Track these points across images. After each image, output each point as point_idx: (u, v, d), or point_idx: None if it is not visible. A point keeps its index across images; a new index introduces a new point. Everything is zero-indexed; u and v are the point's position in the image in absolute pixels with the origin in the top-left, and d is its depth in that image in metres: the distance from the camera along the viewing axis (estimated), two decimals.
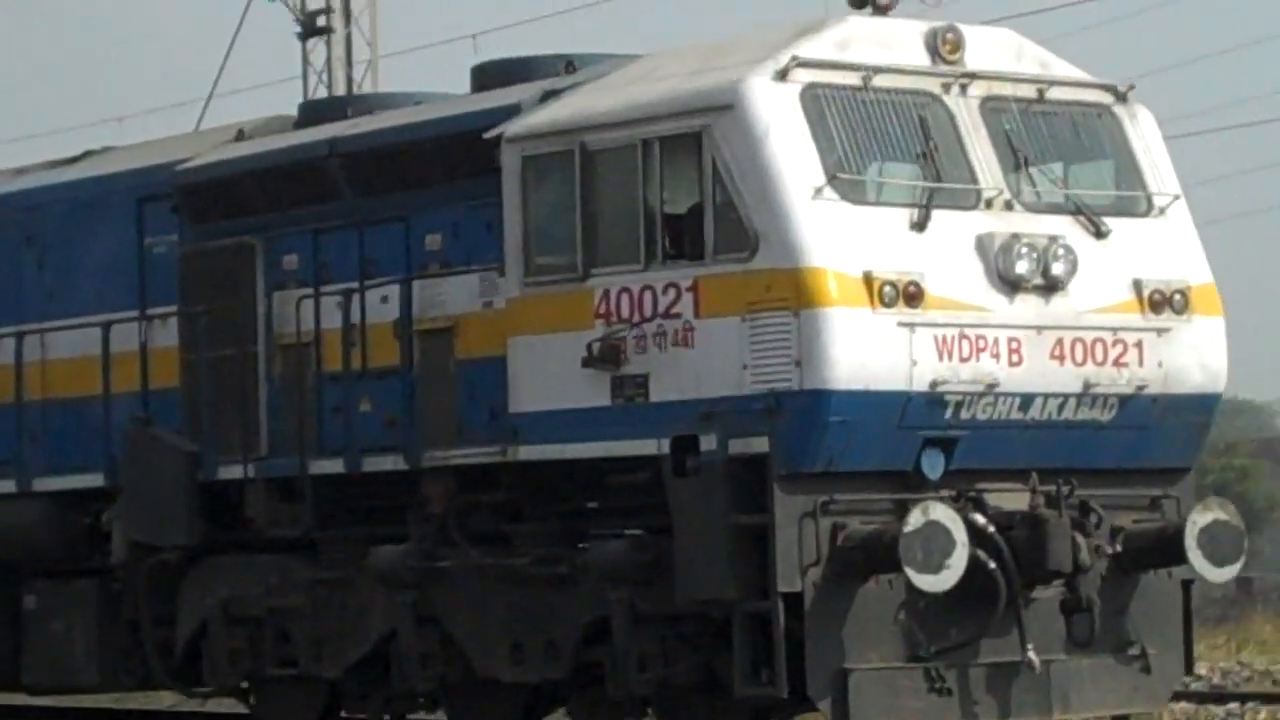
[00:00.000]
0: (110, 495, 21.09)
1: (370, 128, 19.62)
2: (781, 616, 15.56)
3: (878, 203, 16.05)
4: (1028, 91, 16.97)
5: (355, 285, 19.03)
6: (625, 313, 16.49)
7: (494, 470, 17.78)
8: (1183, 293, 16.80)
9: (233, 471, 19.95)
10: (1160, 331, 16.67)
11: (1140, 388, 16.55)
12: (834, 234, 15.68)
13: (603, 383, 16.62)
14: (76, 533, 21.55)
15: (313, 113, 21.00)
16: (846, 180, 15.88)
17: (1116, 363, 16.48)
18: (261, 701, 20.55)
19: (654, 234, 16.39)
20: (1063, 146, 17.03)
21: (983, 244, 16.12)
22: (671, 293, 16.20)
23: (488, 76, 19.26)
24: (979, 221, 16.23)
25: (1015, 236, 16.17)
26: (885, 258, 15.74)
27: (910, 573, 15.37)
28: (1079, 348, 16.35)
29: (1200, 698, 21.21)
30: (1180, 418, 16.89)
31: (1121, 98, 17.39)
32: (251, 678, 20.09)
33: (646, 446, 16.32)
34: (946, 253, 15.99)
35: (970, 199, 16.30)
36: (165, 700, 25.74)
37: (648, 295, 16.35)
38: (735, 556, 15.74)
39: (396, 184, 19.03)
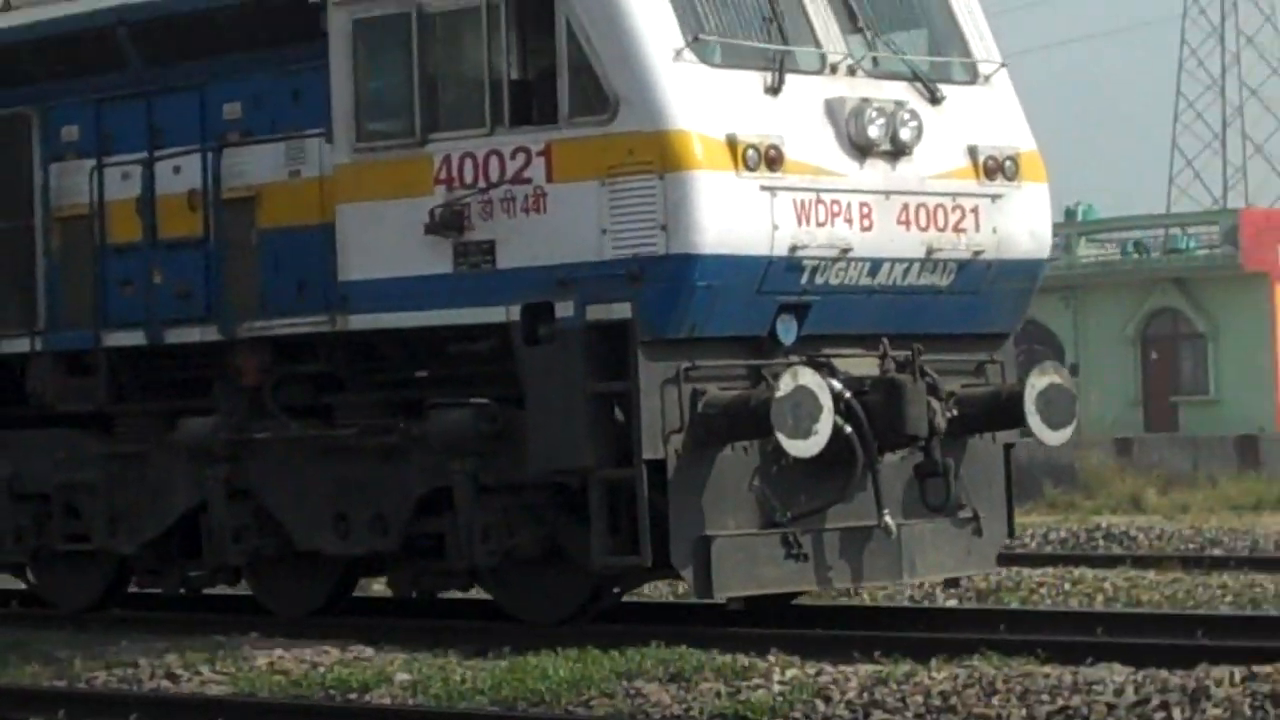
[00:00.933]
0: None
1: None
2: (645, 484, 14.95)
3: (733, 66, 15.30)
4: None
5: (144, 156, 17.90)
6: (469, 178, 15.49)
7: (312, 340, 16.80)
8: (1013, 159, 16.31)
9: (17, 345, 18.73)
10: (994, 198, 16.16)
11: (977, 253, 16.03)
12: (696, 97, 14.85)
13: (444, 250, 15.64)
14: None
15: None
16: (705, 42, 15.14)
17: (956, 228, 15.93)
18: (41, 578, 19.30)
19: (499, 98, 15.39)
20: (893, 13, 16.41)
21: (833, 109, 15.41)
22: (521, 157, 15.27)
23: None
24: (827, 86, 15.52)
25: (865, 101, 15.52)
26: (746, 121, 14.95)
27: (781, 438, 14.72)
28: (923, 213, 15.77)
29: (1021, 560, 20.92)
30: (1010, 283, 16.43)
31: None
32: (37, 554, 18.90)
33: (494, 314, 15.39)
34: (800, 117, 15.25)
35: (815, 63, 15.64)
36: None
37: (494, 160, 15.39)
38: (594, 424, 14.96)
39: (191, 53, 17.86)
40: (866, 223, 15.47)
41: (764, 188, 14.96)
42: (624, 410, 14.98)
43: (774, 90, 15.24)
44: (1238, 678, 12.08)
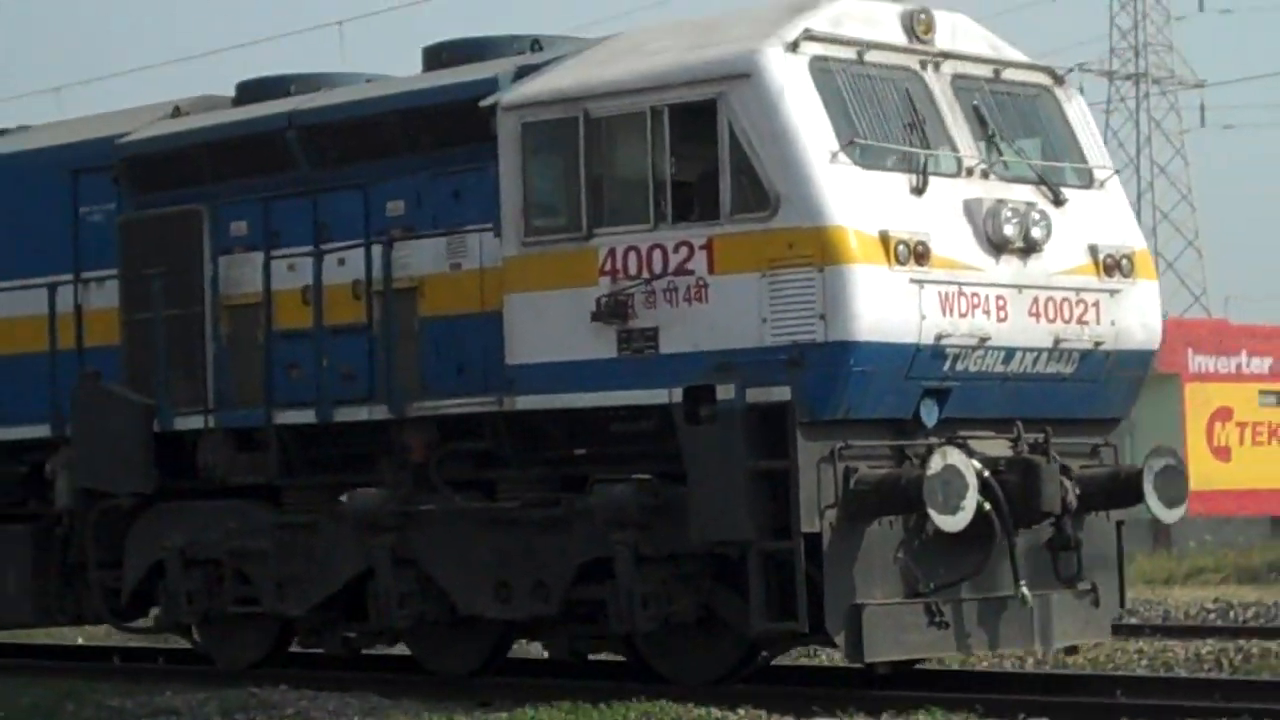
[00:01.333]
0: (53, 445, 19.72)
1: (330, 101, 18.46)
2: (803, 556, 14.82)
3: (882, 168, 15.25)
4: (986, 71, 16.35)
5: (311, 249, 17.96)
6: (633, 269, 15.46)
7: (479, 419, 16.76)
8: (1129, 258, 16.30)
9: (191, 423, 18.68)
10: (1112, 293, 16.14)
11: (1098, 343, 15.99)
12: (851, 196, 14.83)
13: (609, 336, 15.60)
14: (11, 481, 20.26)
15: (252, 90, 19.66)
16: (857, 146, 15.13)
17: (1080, 320, 15.91)
18: (208, 638, 19.23)
19: (662, 195, 15.40)
20: (1018, 122, 16.39)
21: (970, 209, 15.40)
22: (684, 250, 15.23)
23: (442, 56, 18.17)
24: (964, 188, 15.51)
25: (1001, 202, 15.55)
26: (895, 219, 14.93)
27: (933, 513, 14.66)
28: (1051, 306, 15.74)
29: (1133, 630, 20.83)
30: (1125, 372, 16.39)
31: (1059, 80, 16.90)
32: (207, 616, 18.79)
33: (656, 396, 15.30)
34: (941, 216, 15.23)
35: (953, 166, 15.62)
36: (99, 635, 24.47)
37: (657, 253, 15.36)
38: (752, 499, 14.88)
39: (356, 154, 17.91)
40: (1001, 314, 15.43)
41: (912, 280, 14.92)
42: (782, 486, 14.85)
43: (919, 191, 15.23)
44: None
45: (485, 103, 16.38)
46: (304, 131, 18.16)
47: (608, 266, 15.60)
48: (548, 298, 15.91)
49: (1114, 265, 16.17)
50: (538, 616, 16.52)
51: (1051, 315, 15.73)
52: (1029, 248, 15.60)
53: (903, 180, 15.22)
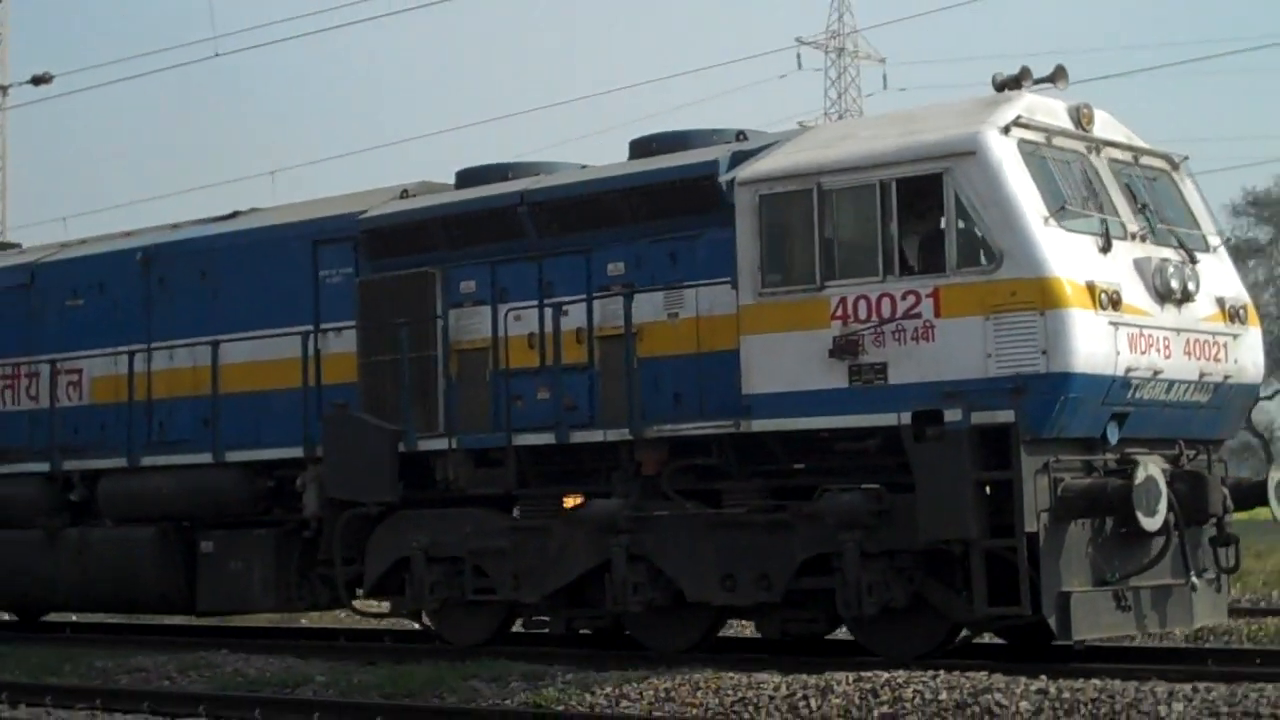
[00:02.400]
0: (298, 464, 19.27)
1: (559, 182, 18.08)
2: (1025, 552, 14.36)
3: (1077, 230, 14.91)
4: (1128, 156, 16.15)
5: (536, 302, 17.58)
6: (863, 314, 15.09)
7: (704, 440, 16.25)
8: (1244, 308, 16.15)
9: (434, 444, 18.07)
10: (1235, 336, 15.96)
11: (1227, 378, 15.79)
12: (1060, 253, 14.56)
13: (840, 370, 15.17)
14: (260, 493, 19.81)
15: (472, 176, 19.22)
16: (1064, 212, 14.79)
17: (1215, 358, 15.69)
18: (440, 621, 18.70)
19: (890, 253, 15.06)
20: (1155, 196, 16.18)
21: (1140, 265, 15.17)
22: (911, 298, 14.85)
23: (651, 146, 17.83)
24: (1131, 249, 15.27)
25: (1165, 260, 15.31)
26: (1093, 272, 14.67)
27: (1140, 515, 14.32)
28: (1198, 346, 15.51)
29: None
30: (1240, 401, 16.21)
31: (1175, 165, 16.65)
32: (445, 603, 18.21)
33: (886, 419, 14.96)
34: (1121, 271, 14.98)
35: (1122, 231, 15.32)
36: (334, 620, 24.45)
37: (886, 300, 14.98)
38: (976, 504, 14.51)
39: (579, 225, 17.47)
40: (1167, 352, 15.20)
41: (1110, 323, 14.66)
42: (1002, 494, 14.43)
43: (1105, 250, 14.93)
44: None
45: (724, 177, 16.10)
46: (534, 207, 17.68)
47: (839, 312, 15.22)
48: (782, 338, 15.52)
49: (1235, 314, 15.99)
50: (761, 603, 16.00)
51: (1198, 354, 15.54)
52: (1184, 298, 15.41)
53: (1090, 242, 14.92)
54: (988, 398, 14.44)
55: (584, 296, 17.31)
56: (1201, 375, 15.49)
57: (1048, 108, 15.57)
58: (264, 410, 19.71)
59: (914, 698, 13.51)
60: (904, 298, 14.92)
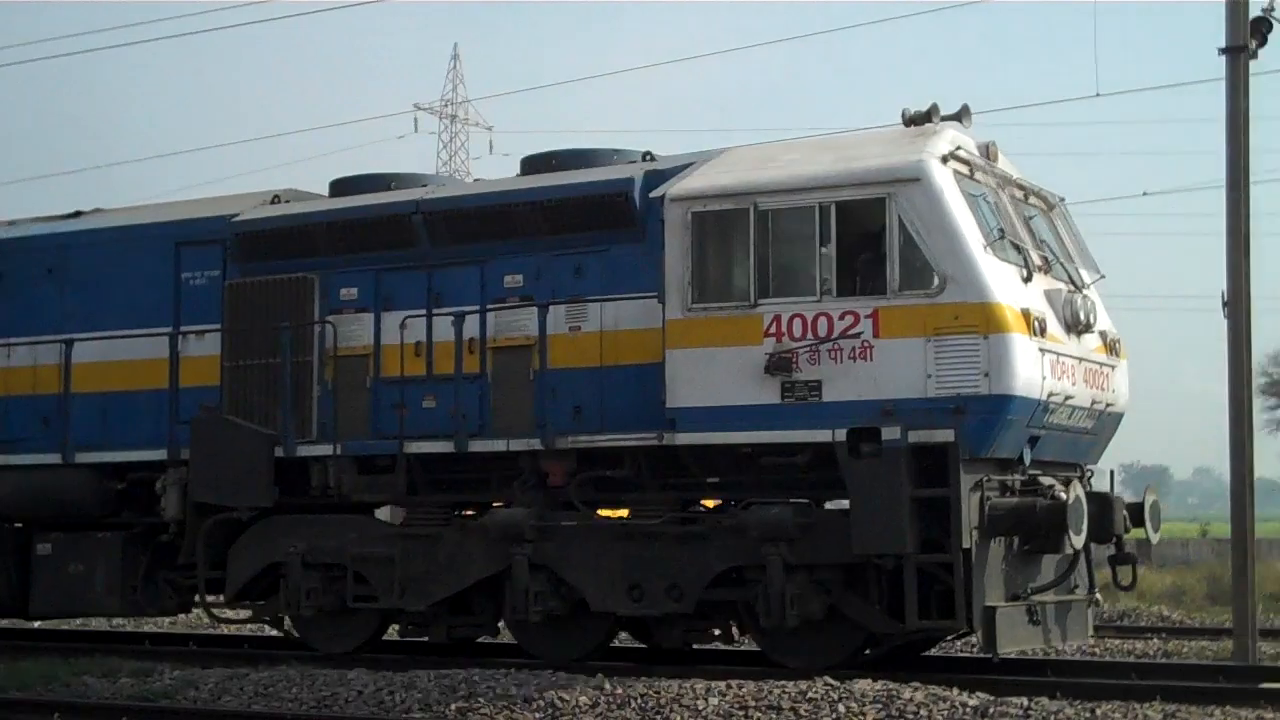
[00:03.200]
0: (155, 466, 16.43)
1: (455, 194, 15.85)
2: (961, 567, 12.64)
3: (1005, 260, 13.31)
4: (1020, 193, 14.63)
5: (457, 310, 15.16)
6: (797, 333, 13.23)
7: (617, 452, 14.13)
8: (1118, 341, 14.81)
9: (316, 450, 15.48)
10: (1113, 367, 14.58)
11: (1108, 405, 14.41)
12: (998, 279, 12.99)
13: (773, 386, 13.26)
14: (108, 495, 16.87)
15: (349, 185, 16.70)
16: (996, 242, 13.18)
17: (1101, 387, 14.28)
18: (306, 628, 16.00)
19: (828, 273, 13.22)
20: (1045, 231, 14.71)
21: (1050, 297, 13.67)
22: (849, 318, 13.08)
23: (545, 162, 15.65)
24: (1039, 281, 13.73)
25: (1071, 291, 13.84)
26: (1023, 299, 13.10)
27: (1070, 535, 12.74)
28: (1093, 375, 14.13)
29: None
30: (1110, 428, 14.83)
31: (1052, 205, 15.23)
32: (319, 611, 15.61)
33: (819, 435, 13.15)
34: (1038, 301, 13.41)
35: (1029, 264, 13.75)
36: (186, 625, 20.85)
37: (822, 319, 13.16)
38: (911, 520, 12.75)
39: (475, 237, 15.24)
40: (1073, 380, 13.74)
41: (1040, 349, 13.17)
42: (936, 510, 12.73)
43: (1027, 280, 13.37)
44: None
45: (655, 193, 14.04)
46: (429, 216, 15.42)
47: (772, 329, 13.37)
48: (711, 353, 13.59)
49: (1113, 346, 14.60)
50: (670, 614, 13.91)
51: (1091, 382, 14.09)
52: (1085, 328, 13.90)
53: (1014, 271, 13.33)
54: (927, 417, 12.77)
55: (478, 307, 15.12)
56: (1092, 402, 14.10)
57: (964, 141, 14.00)
58: (117, 411, 16.90)
59: (486, 693, 12.49)
60: (841, 317, 13.14)
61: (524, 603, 14.40)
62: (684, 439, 13.65)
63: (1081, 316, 13.76)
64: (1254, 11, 16.42)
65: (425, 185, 16.25)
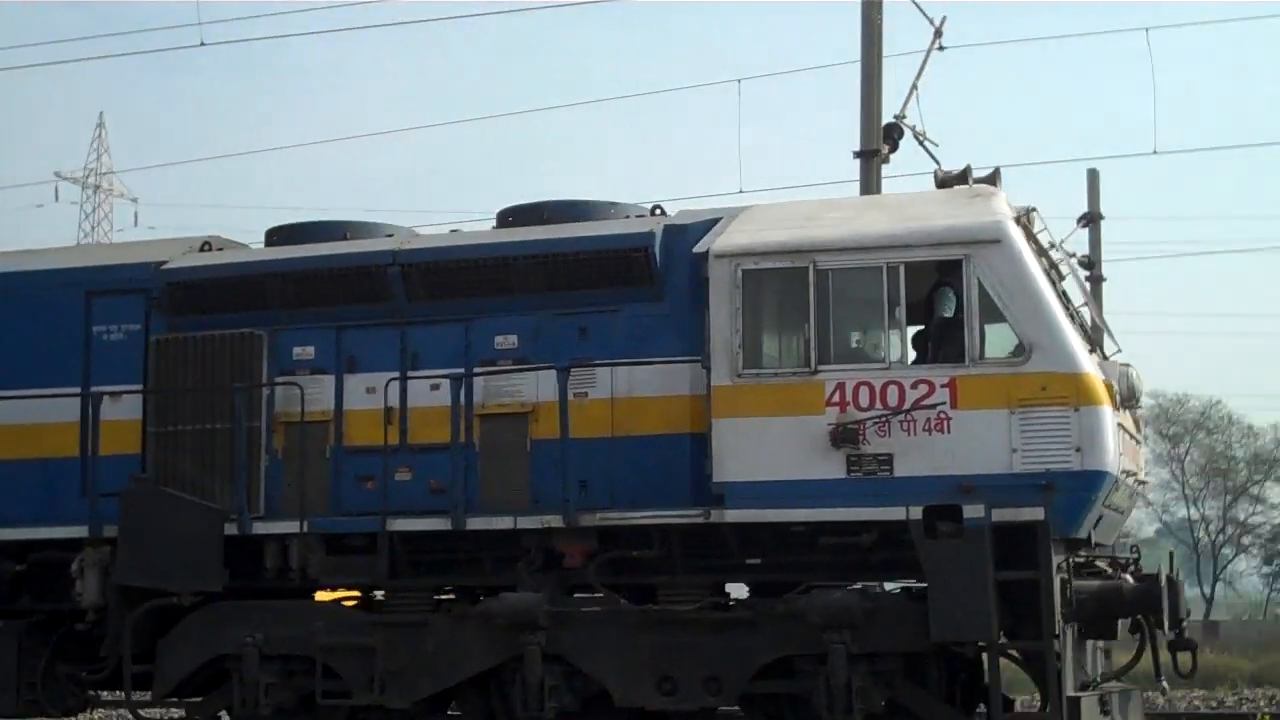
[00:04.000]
0: (68, 545, 14.44)
1: (439, 244, 14.49)
2: (1054, 656, 11.89)
3: (1076, 329, 12.68)
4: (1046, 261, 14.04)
5: (428, 374, 13.85)
6: (864, 402, 12.33)
7: (642, 530, 12.96)
8: (1140, 417, 14.29)
9: (277, 528, 13.84)
10: (1139, 443, 14.08)
11: (1140, 483, 13.87)
12: (1081, 348, 12.30)
13: (837, 459, 12.31)
14: (2, 579, 14.78)
15: (291, 234, 15.16)
16: (1071, 307, 12.56)
17: (1136, 463, 13.73)
18: None
19: (901, 339, 12.41)
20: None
21: (1106, 369, 12.97)
22: (923, 387, 12.24)
23: (525, 215, 14.44)
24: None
25: (1126, 365, 13.24)
26: (1098, 371, 12.45)
27: (1165, 617, 12.11)
28: (1131, 450, 13.47)
29: None
30: (1132, 505, 14.28)
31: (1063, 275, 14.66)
32: (281, 709, 13.89)
33: (891, 513, 12.21)
34: (1101, 372, 12.83)
35: (1088, 334, 13.19)
36: None
37: (892, 388, 12.29)
38: (996, 605, 11.92)
39: (460, 292, 13.96)
40: (1130, 457, 13.03)
41: (1118, 424, 12.37)
42: (1022, 594, 11.93)
43: (1092, 350, 12.74)
44: None
45: (698, 249, 12.89)
46: (408, 269, 14.03)
47: (835, 398, 12.42)
48: (764, 423, 12.55)
49: (1139, 421, 14.12)
50: (707, 709, 12.77)
51: (1130, 458, 13.48)
52: (1137, 403, 13.34)
53: (1081, 341, 12.66)
54: (1013, 494, 11.98)
55: (462, 370, 13.80)
56: (1129, 476, 13.59)
57: (1010, 203, 13.37)
58: (13, 482, 14.88)
59: None
60: (914, 386, 12.30)
61: (538, 698, 13.12)
62: (734, 516, 12.57)
63: (1135, 390, 13.27)
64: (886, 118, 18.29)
65: (389, 235, 14.89)
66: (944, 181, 13.78)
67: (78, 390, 14.72)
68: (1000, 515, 11.96)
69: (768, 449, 12.50)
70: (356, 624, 13.78)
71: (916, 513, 12.15)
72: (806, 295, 12.57)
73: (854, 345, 12.62)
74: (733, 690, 12.76)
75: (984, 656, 12.25)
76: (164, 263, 14.88)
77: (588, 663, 13.10)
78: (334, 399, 14.22)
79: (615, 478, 13.31)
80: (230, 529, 13.90)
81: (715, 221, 13.58)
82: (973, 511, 12.02)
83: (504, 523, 13.34)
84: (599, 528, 13.07)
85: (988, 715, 12.09)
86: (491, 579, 13.58)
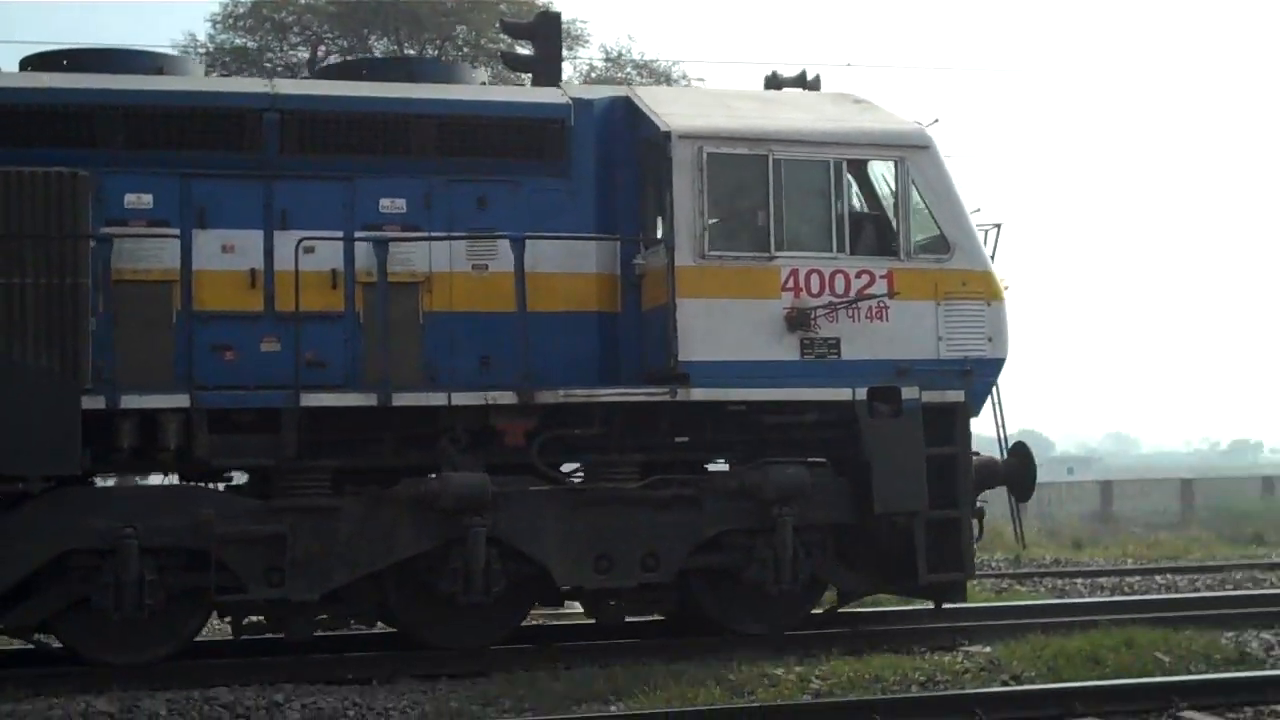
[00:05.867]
0: None
1: (322, 92, 13.15)
2: (968, 521, 13.48)
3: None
4: None
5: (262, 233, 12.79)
6: (815, 289, 13.13)
7: (579, 409, 12.86)
8: None
9: (164, 401, 12.05)
10: None
11: None
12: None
13: (792, 342, 13.02)
14: None
15: (84, 60, 13.01)
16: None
17: None
18: (81, 637, 12.28)
19: (843, 229, 13.24)
20: None
21: None
22: (865, 277, 13.25)
23: (362, 70, 13.68)
24: None
25: None
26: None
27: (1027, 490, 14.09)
28: None
29: None
30: None
31: None
32: (167, 603, 12.14)
33: (840, 394, 13.19)
34: None
35: None
36: None
37: (839, 277, 13.19)
38: (926, 478, 13.30)
39: (344, 148, 12.97)
40: None
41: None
42: (942, 468, 13.45)
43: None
44: None
45: (664, 128, 12.86)
46: (288, 116, 12.76)
47: (790, 284, 13.15)
48: (725, 306, 12.97)
49: None
50: (647, 585, 13.02)
51: None
52: None
53: None
54: (941, 378, 13.43)
55: (340, 233, 12.78)
56: None
57: None
58: None
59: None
60: (858, 276, 13.29)
61: (482, 581, 12.56)
62: (699, 395, 12.89)
63: None
64: None
65: (225, 74, 13.19)
66: (777, 83, 14.75)
67: None
68: (930, 397, 13.43)
69: (730, 330, 12.95)
70: (255, 510, 12.35)
71: (862, 393, 13.28)
72: (765, 182, 13.14)
73: (804, 234, 13.37)
74: (671, 566, 13.11)
75: (913, 523, 13.53)
76: None
77: (529, 544, 12.82)
78: (179, 256, 12.55)
79: (519, 354, 13.02)
80: (92, 402, 11.91)
81: (620, 99, 13.68)
82: (909, 393, 13.38)
83: (438, 399, 12.63)
84: (548, 405, 12.81)
85: (915, 576, 13.47)
86: (413, 458, 12.76)
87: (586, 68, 33.82)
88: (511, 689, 11.15)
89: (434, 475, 12.58)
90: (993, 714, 9.98)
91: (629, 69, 34.30)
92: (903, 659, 12.14)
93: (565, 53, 21.12)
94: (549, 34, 16.28)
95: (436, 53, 31.85)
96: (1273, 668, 11.77)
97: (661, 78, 34.06)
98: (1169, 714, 10.19)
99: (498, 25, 26.28)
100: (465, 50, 32.83)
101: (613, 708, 10.59)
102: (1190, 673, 11.45)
